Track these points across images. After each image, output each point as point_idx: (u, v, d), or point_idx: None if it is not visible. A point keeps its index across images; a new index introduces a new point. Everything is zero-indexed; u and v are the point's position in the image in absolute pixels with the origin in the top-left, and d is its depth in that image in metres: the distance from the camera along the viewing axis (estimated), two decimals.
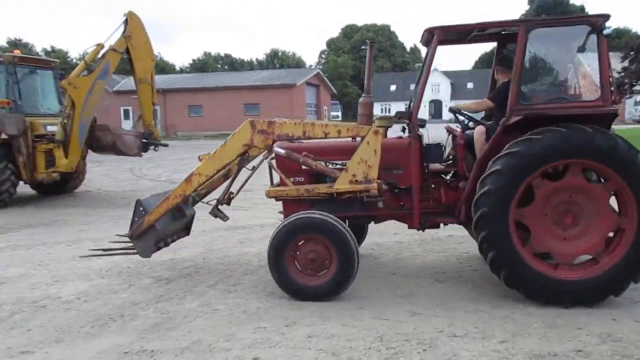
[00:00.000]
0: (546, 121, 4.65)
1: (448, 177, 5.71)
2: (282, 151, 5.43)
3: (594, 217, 4.71)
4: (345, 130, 5.46)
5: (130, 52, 11.51)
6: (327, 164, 5.44)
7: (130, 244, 5.74)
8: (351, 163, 5.24)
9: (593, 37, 4.81)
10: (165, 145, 12.65)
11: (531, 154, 4.55)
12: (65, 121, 11.01)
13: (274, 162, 5.62)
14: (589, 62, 5.25)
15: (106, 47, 11.28)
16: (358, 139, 5.43)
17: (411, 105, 5.62)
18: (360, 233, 6.61)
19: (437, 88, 73.68)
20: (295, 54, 76.86)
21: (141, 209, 5.61)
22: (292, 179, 5.52)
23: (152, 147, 12.05)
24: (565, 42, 5.38)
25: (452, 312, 4.71)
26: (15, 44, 59.45)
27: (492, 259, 4.74)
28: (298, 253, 5.01)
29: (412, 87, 10.32)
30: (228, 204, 5.90)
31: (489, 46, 65.11)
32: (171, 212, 5.73)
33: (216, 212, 5.73)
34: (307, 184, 5.51)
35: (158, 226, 5.61)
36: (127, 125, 29.78)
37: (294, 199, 5.48)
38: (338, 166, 5.41)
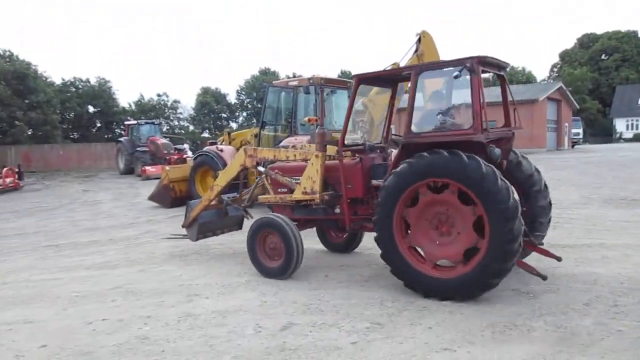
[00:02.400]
0: (432, 146, 5.54)
1: None
2: (262, 169, 7.70)
3: (461, 232, 5.50)
4: (300, 155, 7.30)
5: None
6: (293, 179, 7.26)
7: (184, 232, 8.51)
8: (302, 179, 6.99)
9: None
10: None
11: (405, 173, 5.60)
12: (365, 137, 11.86)
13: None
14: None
15: (402, 66, 11.93)
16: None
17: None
18: (354, 239, 8.10)
19: None
20: (524, 68, 72.63)
21: (189, 208, 8.30)
22: (279, 190, 7.49)
23: None
24: (448, 80, 6.24)
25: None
26: (265, 72, 67.71)
27: (382, 254, 5.95)
28: (265, 242, 6.91)
29: None
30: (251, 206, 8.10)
31: None
32: (216, 211, 8.29)
33: (244, 213, 8.30)
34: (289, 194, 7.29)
35: (200, 220, 8.14)
36: None
37: (277, 204, 7.49)
38: (297, 181, 7.11)
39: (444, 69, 6.20)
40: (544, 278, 5.64)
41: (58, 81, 53.53)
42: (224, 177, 8.05)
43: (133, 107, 60.22)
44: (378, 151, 7.05)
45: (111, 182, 25.08)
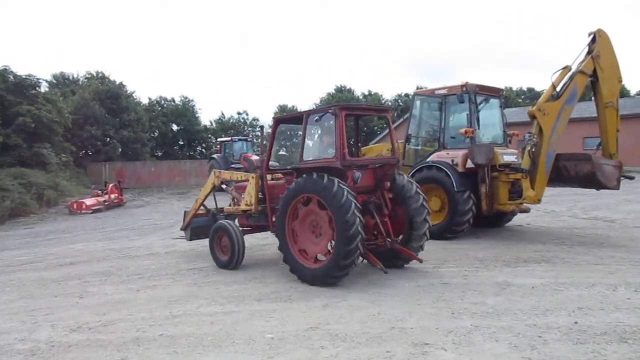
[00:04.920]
0: (312, 170, 7.46)
1: None
2: (224, 186, 9.99)
3: (325, 232, 7.42)
4: (243, 177, 9.62)
5: (597, 74, 10.35)
6: (242, 195, 9.29)
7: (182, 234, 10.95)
8: (245, 195, 9.13)
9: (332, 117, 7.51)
10: (631, 178, 10.97)
11: (289, 190, 7.70)
12: (533, 149, 10.33)
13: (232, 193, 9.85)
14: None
15: (573, 69, 10.38)
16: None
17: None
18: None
19: None
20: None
21: (185, 214, 10.69)
22: (244, 203, 9.18)
23: (621, 178, 10.52)
24: (324, 122, 7.85)
25: None
26: (341, 90, 66.94)
27: (283, 258, 7.85)
28: (220, 241, 9.02)
29: None
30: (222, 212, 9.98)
31: None
32: (207, 218, 10.17)
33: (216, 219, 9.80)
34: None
35: (192, 225, 10.27)
36: None
37: (237, 213, 9.54)
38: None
39: (320, 114, 7.82)
40: (385, 272, 7.42)
41: (145, 100, 55.14)
42: (203, 192, 10.39)
43: (214, 125, 60.96)
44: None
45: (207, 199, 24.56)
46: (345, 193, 6.92)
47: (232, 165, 28.05)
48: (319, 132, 8.67)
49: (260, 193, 8.94)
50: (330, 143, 7.76)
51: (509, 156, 10.94)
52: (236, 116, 62.60)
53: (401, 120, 41.69)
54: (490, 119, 11.88)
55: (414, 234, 8.00)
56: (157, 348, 5.28)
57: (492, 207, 10.79)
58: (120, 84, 46.94)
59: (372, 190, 8.05)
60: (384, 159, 8.45)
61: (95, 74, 49.76)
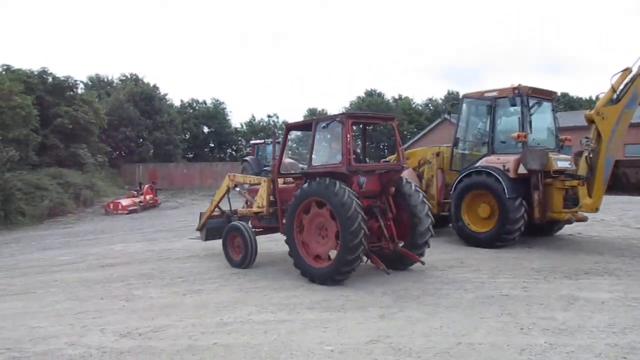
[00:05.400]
0: (321, 175, 7.90)
1: None
2: (237, 189, 10.57)
3: (330, 230, 7.72)
4: (256, 180, 10.10)
5: None
6: (254, 197, 9.80)
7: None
8: (257, 197, 9.63)
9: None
10: None
11: (298, 194, 8.04)
12: (591, 155, 9.84)
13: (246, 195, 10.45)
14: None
15: (633, 72, 9.84)
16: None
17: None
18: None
19: None
20: None
21: (201, 216, 11.11)
22: (256, 205, 9.63)
23: None
24: (333, 129, 8.25)
25: None
26: (371, 94, 66.44)
27: (289, 251, 8.22)
28: (233, 242, 9.50)
29: None
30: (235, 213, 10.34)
31: None
32: (221, 220, 10.58)
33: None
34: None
35: (207, 226, 10.66)
36: None
37: (249, 215, 9.90)
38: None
39: (327, 122, 8.29)
40: (388, 273, 7.76)
41: (177, 103, 55.75)
42: (218, 194, 10.83)
43: (244, 127, 61.24)
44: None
45: (241, 201, 24.52)
46: (347, 192, 7.36)
47: (265, 168, 27.95)
48: (328, 138, 9.14)
49: (271, 196, 9.32)
50: (337, 150, 8.15)
51: (562, 162, 10.45)
52: (266, 119, 62.82)
53: (433, 125, 41.15)
54: (542, 123, 11.38)
55: (417, 230, 8.20)
56: (211, 358, 5.05)
57: (544, 215, 10.31)
58: (154, 86, 47.56)
59: (378, 195, 8.45)
60: (389, 166, 9.06)
61: (129, 76, 50.60)
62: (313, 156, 8.42)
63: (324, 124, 8.26)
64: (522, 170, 10.22)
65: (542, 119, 11.41)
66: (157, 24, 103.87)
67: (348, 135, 7.70)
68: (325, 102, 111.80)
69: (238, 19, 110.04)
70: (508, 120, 11.14)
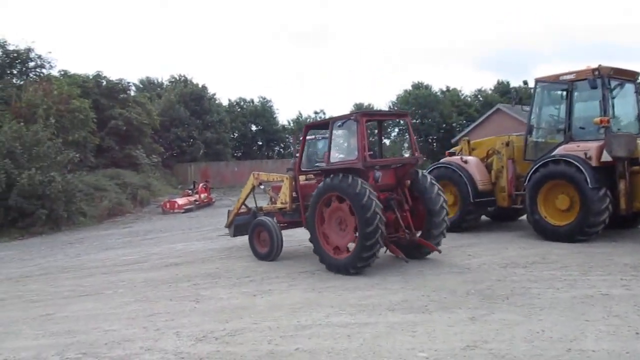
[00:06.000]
0: (339, 171, 8.20)
1: None
2: (262, 187, 11.34)
3: (349, 224, 8.09)
4: (279, 178, 10.62)
5: None
6: (278, 194, 10.36)
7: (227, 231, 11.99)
8: (280, 194, 10.16)
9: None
10: None
11: (319, 189, 8.47)
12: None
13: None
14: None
15: None
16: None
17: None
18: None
19: None
20: None
21: (229, 212, 11.83)
22: (280, 202, 10.23)
23: None
24: (347, 127, 8.89)
25: None
26: (418, 86, 65.08)
27: (310, 237, 8.68)
28: (259, 236, 9.99)
29: None
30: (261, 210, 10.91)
31: None
32: (248, 216, 11.08)
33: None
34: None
35: (235, 222, 11.30)
36: None
37: (274, 211, 10.41)
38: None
39: (340, 121, 8.76)
40: (406, 261, 8.28)
41: (225, 102, 56.30)
42: (244, 192, 11.52)
43: (292, 124, 61.25)
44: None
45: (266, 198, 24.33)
46: (360, 183, 7.73)
47: (317, 165, 27.64)
48: (346, 135, 9.76)
49: (294, 192, 9.74)
50: (353, 146, 8.59)
51: None
52: (313, 115, 62.61)
53: (484, 117, 39.71)
54: (625, 106, 10.51)
55: (433, 222, 8.48)
56: None
57: (631, 206, 9.50)
58: (203, 86, 48.13)
59: (394, 188, 8.77)
60: (404, 159, 9.69)
61: (178, 78, 51.43)
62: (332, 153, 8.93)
63: (340, 123, 8.71)
64: (605, 157, 9.42)
65: (625, 103, 10.52)
66: (203, 25, 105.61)
67: (363, 133, 8.11)
68: (372, 97, 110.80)
69: (284, 16, 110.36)
70: (587, 105, 10.33)
